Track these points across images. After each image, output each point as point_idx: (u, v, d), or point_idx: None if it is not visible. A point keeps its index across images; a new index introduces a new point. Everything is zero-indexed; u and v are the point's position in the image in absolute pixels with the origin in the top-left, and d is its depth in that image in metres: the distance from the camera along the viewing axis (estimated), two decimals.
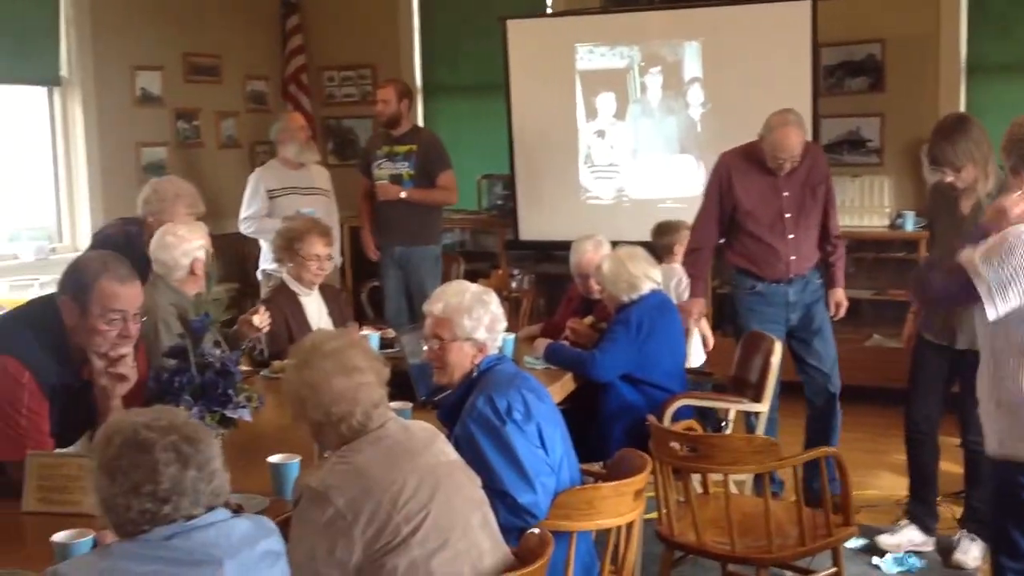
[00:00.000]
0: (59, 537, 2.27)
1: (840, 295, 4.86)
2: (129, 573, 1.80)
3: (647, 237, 5.25)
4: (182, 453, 1.86)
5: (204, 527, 1.87)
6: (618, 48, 6.76)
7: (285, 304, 4.46)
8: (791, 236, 4.67)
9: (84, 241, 6.50)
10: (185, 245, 3.88)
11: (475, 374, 3.06)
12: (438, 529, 2.31)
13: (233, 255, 7.00)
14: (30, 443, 2.73)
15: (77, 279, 2.83)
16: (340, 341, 2.47)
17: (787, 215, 4.66)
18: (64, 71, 6.36)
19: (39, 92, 6.36)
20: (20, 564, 2.30)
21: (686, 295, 4.94)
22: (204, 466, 1.89)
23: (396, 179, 6.17)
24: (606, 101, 6.85)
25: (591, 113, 6.88)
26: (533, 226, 7.03)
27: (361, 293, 6.77)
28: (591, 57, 6.83)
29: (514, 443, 2.81)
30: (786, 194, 4.66)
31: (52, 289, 5.27)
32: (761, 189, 4.67)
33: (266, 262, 5.97)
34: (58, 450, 2.83)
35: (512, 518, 2.75)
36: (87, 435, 3.02)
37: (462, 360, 3.08)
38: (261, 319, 4.11)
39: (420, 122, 7.47)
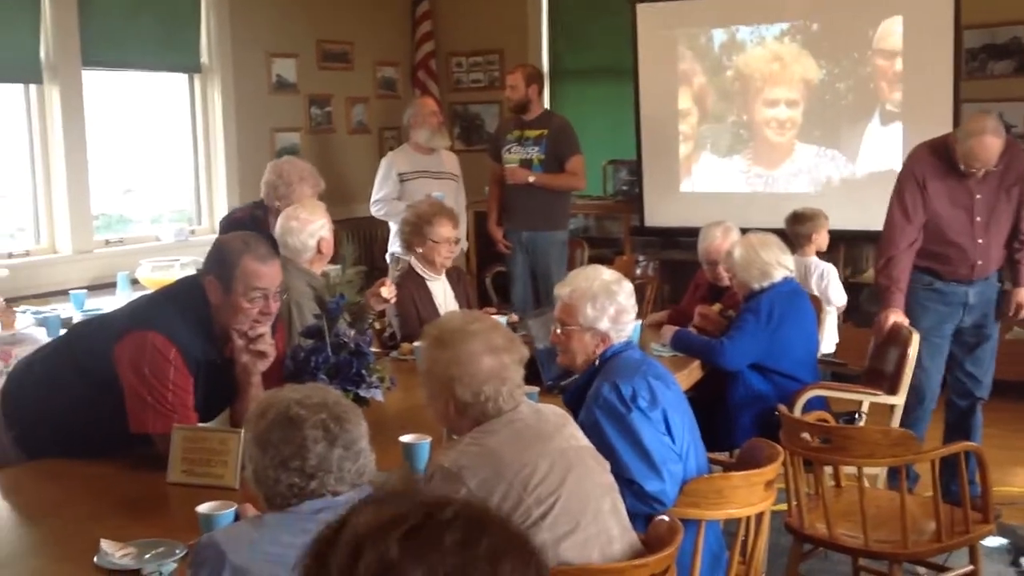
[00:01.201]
0: (203, 508, 2.36)
1: (1022, 295, 4.55)
2: (279, 542, 1.86)
3: (776, 225, 5.14)
4: (330, 431, 1.92)
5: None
6: (751, 30, 6.64)
7: (413, 288, 4.53)
8: (980, 240, 4.39)
9: None
10: (310, 227, 3.97)
11: (597, 362, 3.06)
12: (568, 513, 2.31)
13: (361, 238, 7.13)
14: (175, 417, 2.83)
15: (221, 259, 2.92)
16: (484, 322, 2.48)
17: (978, 218, 4.37)
18: (204, 58, 6.58)
19: (181, 79, 6.59)
20: (166, 534, 2.39)
21: (830, 292, 4.82)
22: (351, 445, 1.94)
23: (526, 164, 6.20)
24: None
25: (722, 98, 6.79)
26: (659, 212, 6.97)
27: (486, 278, 6.82)
28: (723, 40, 6.72)
29: (639, 430, 2.80)
30: (979, 197, 4.36)
31: (191, 270, 5.53)
32: (952, 191, 4.37)
33: (394, 245, 6.06)
34: (201, 424, 2.93)
35: (640, 505, 2.74)
36: (227, 411, 3.13)
37: (583, 347, 3.07)
38: (389, 290, 4.18)
39: (547, 106, 7.47)
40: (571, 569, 2.28)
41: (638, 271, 6.77)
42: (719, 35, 6.72)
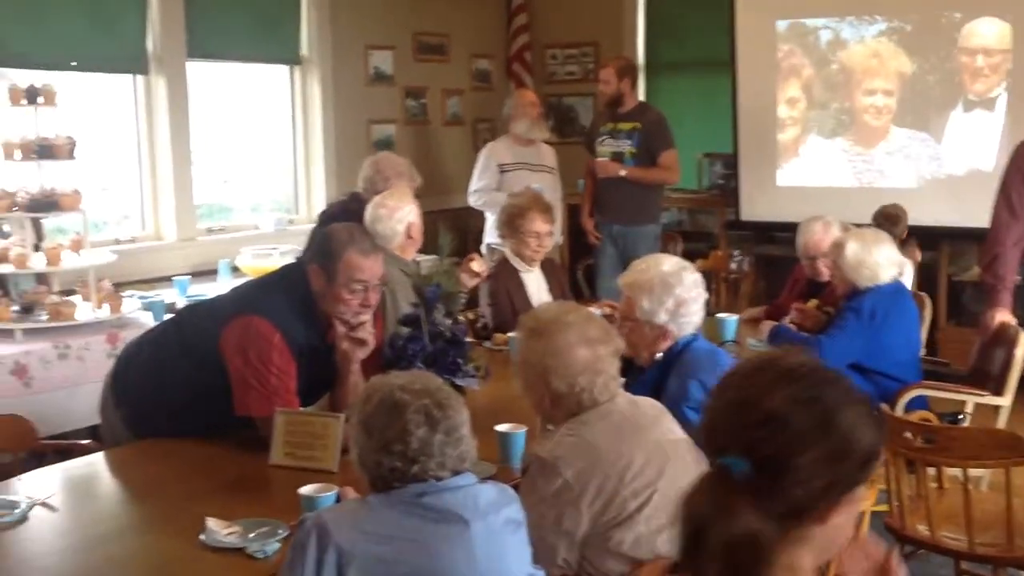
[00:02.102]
0: (306, 490, 2.41)
1: None
2: (384, 524, 1.90)
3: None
4: (432, 417, 1.95)
5: (453, 489, 1.96)
6: (853, 22, 6.56)
7: (507, 279, 4.55)
8: None
9: (319, 214, 6.83)
10: (397, 213, 4.02)
11: (659, 356, 3.00)
12: (665, 507, 2.29)
13: (456, 229, 7.18)
14: (278, 400, 2.89)
15: (326, 248, 2.98)
16: (579, 313, 2.49)
17: None
18: (304, 50, 6.69)
19: (281, 71, 6.71)
20: (269, 514, 2.45)
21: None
22: (452, 431, 1.97)
23: (617, 156, 6.17)
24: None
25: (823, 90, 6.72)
26: (755, 206, 6.89)
27: (578, 270, 6.82)
28: (829, 38, 6.64)
29: None
30: None
31: (290, 258, 5.63)
32: None
33: (490, 236, 6.09)
34: (303, 408, 2.98)
35: None
36: (327, 396, 3.19)
37: (643, 341, 3.02)
38: (479, 264, 4.21)
39: (642, 99, 7.42)
40: (667, 562, 2.27)
41: (733, 266, 6.70)
42: (825, 34, 6.73)
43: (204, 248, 6.05)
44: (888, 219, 5.09)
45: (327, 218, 4.57)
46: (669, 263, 3.07)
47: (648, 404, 2.50)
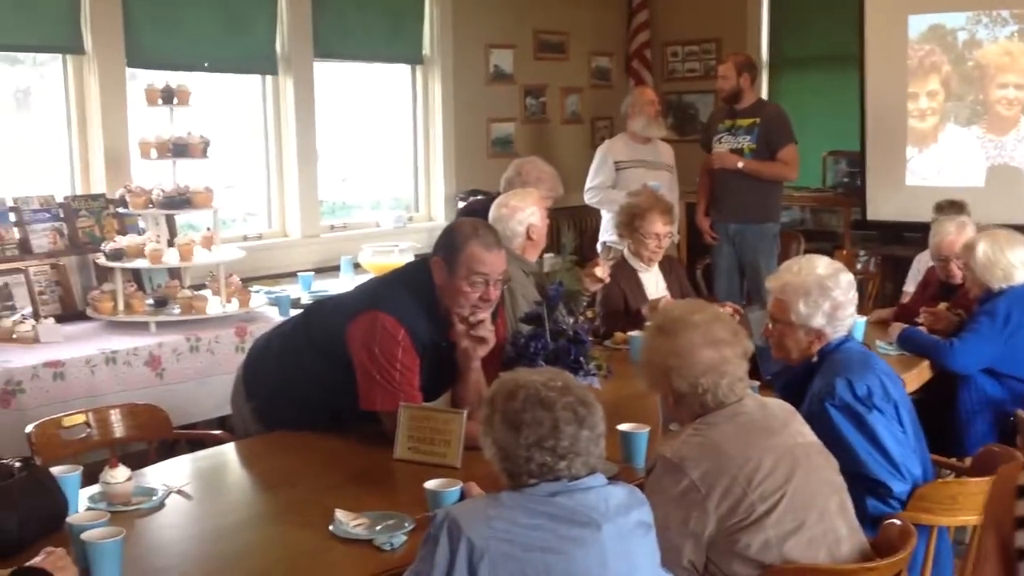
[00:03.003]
0: (431, 484, 2.43)
1: None
2: (515, 522, 1.91)
3: (1004, 221, 4.85)
4: (578, 414, 1.97)
5: (585, 489, 1.96)
6: (987, 23, 6.40)
7: (624, 278, 4.52)
8: None
9: (438, 211, 6.93)
10: (519, 214, 4.01)
11: (815, 358, 2.96)
12: (794, 511, 2.26)
13: (574, 227, 7.18)
14: (402, 396, 2.93)
15: (449, 241, 3.00)
16: (706, 313, 2.46)
17: None
18: (427, 50, 6.78)
19: (404, 70, 6.81)
20: (394, 507, 2.48)
21: None
22: (594, 428, 1.99)
23: (736, 153, 6.08)
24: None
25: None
26: (882, 205, 6.72)
27: (696, 270, 6.74)
28: (965, 38, 6.51)
29: (879, 429, 2.70)
30: None
31: (410, 255, 5.71)
32: None
33: (606, 234, 6.07)
34: (426, 404, 3.02)
35: (881, 506, 2.65)
36: (448, 392, 3.22)
37: (797, 344, 2.98)
38: (603, 270, 4.19)
39: (764, 96, 7.30)
40: (796, 568, 2.23)
41: (858, 266, 6.53)
42: (962, 35, 6.66)
43: (327, 245, 6.18)
44: (952, 207, 4.94)
45: (467, 213, 4.62)
46: (823, 265, 3.01)
47: (778, 406, 2.46)
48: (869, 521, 2.56)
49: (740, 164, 6.00)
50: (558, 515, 1.94)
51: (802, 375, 2.94)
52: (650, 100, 6.24)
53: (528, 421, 1.98)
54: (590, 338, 3.25)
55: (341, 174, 6.65)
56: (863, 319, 4.20)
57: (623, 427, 2.79)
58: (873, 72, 6.66)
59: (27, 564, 1.95)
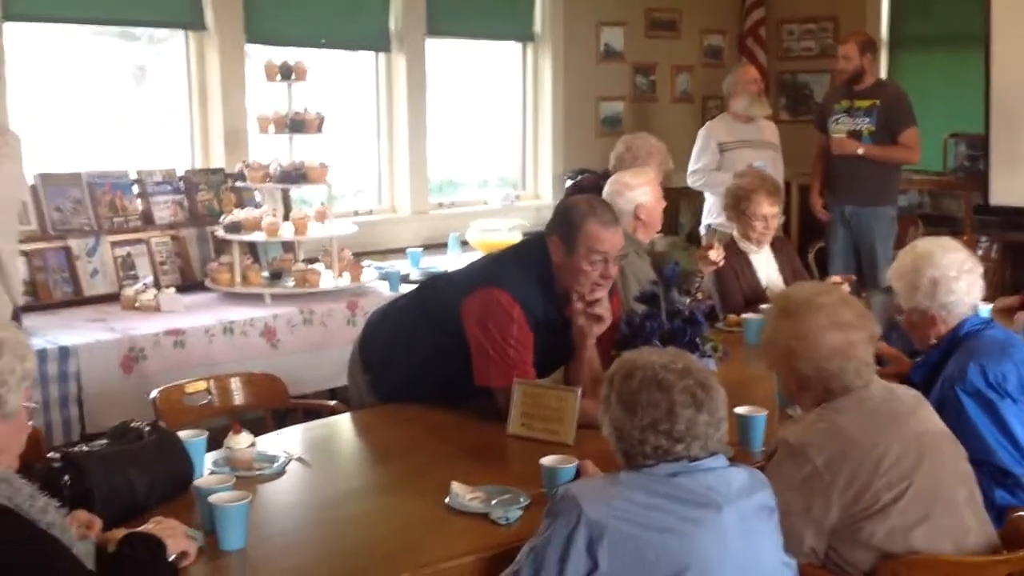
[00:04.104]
0: (547, 461, 2.42)
1: None
2: (634, 502, 1.90)
3: None
4: (696, 397, 1.94)
5: (705, 471, 1.93)
6: None
7: (735, 261, 4.46)
8: None
9: (545, 190, 6.91)
10: (628, 193, 3.97)
11: (945, 342, 2.86)
12: (921, 501, 2.20)
13: (676, 209, 7.10)
14: (516, 372, 2.93)
15: (567, 220, 2.98)
16: (832, 296, 2.41)
17: None
18: (538, 27, 6.75)
19: (514, 47, 6.80)
20: (508, 482, 2.49)
21: None
22: (714, 412, 1.95)
23: (855, 135, 5.92)
24: None
25: None
26: (1007, 190, 6.45)
27: (808, 253, 6.60)
28: None
29: (1009, 418, 2.62)
30: None
31: (517, 234, 5.71)
32: None
33: (710, 216, 5.99)
34: (540, 380, 3.01)
35: (1008, 496, 2.57)
36: (561, 370, 3.21)
37: (914, 327, 2.91)
38: (717, 252, 4.14)
39: (883, 76, 7.10)
40: (922, 558, 2.18)
41: (979, 252, 6.31)
42: None
43: (435, 222, 6.22)
44: None
45: (576, 192, 4.60)
46: (924, 244, 2.95)
47: (905, 393, 2.39)
48: (995, 512, 2.47)
49: (860, 150, 5.84)
50: (678, 495, 1.92)
51: (938, 360, 2.85)
52: (752, 79, 6.12)
53: (643, 403, 1.96)
54: (705, 319, 3.19)
55: (449, 151, 6.68)
56: (988, 307, 4.06)
57: (740, 410, 2.75)
58: (999, 51, 6.38)
59: (139, 530, 2.00)
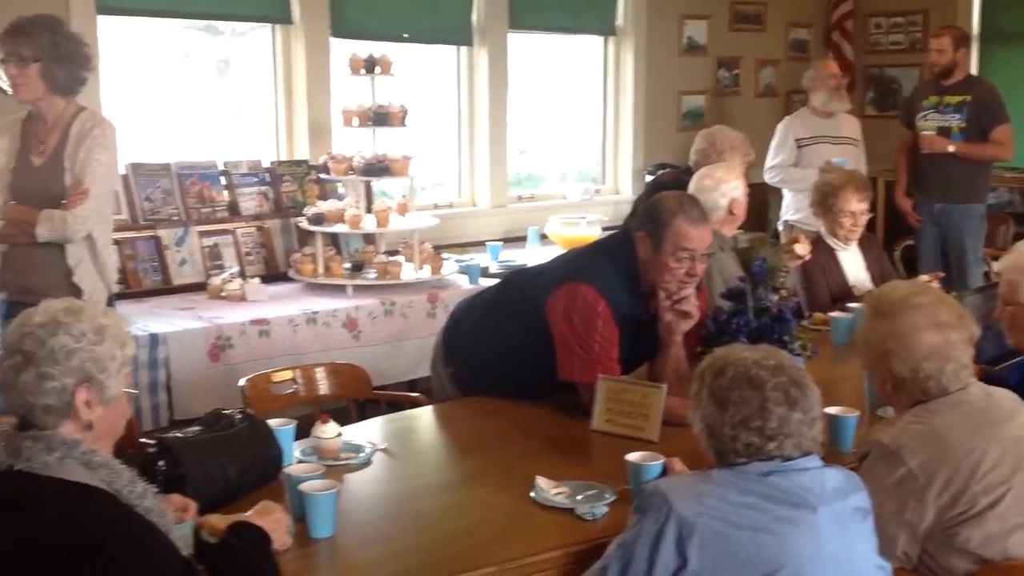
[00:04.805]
0: (633, 457, 2.40)
1: None
2: (727, 500, 1.88)
3: None
4: (790, 395, 1.91)
5: (799, 471, 1.91)
6: None
7: (822, 258, 4.39)
8: None
9: (625, 185, 6.88)
10: (723, 186, 3.92)
11: None
12: (1019, 506, 2.14)
13: (754, 205, 6.99)
14: (600, 367, 2.92)
15: (654, 216, 2.96)
16: (929, 295, 2.35)
17: None
18: (620, 21, 6.71)
19: (596, 41, 6.77)
20: (593, 477, 2.48)
21: None
22: (808, 411, 1.92)
23: (944, 132, 5.80)
24: None
25: None
26: None
27: (895, 251, 6.47)
28: None
29: None
30: None
31: (596, 228, 5.69)
32: None
33: (788, 213, 5.91)
34: (624, 376, 2.99)
35: None
36: (645, 366, 3.19)
37: None
38: (803, 246, 4.08)
39: (974, 72, 6.92)
40: (1019, 565, 2.12)
41: None
42: None
43: (514, 215, 6.22)
44: None
45: (656, 187, 4.57)
46: None
47: (1004, 396, 2.33)
48: None
49: (951, 148, 5.71)
50: (771, 495, 1.89)
51: None
52: (832, 73, 6.03)
53: (735, 399, 1.94)
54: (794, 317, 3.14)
55: (530, 145, 6.68)
56: None
57: (831, 410, 2.70)
58: None
59: (246, 519, 2.02)
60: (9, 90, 3.44)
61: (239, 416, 2.48)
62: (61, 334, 1.85)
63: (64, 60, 3.33)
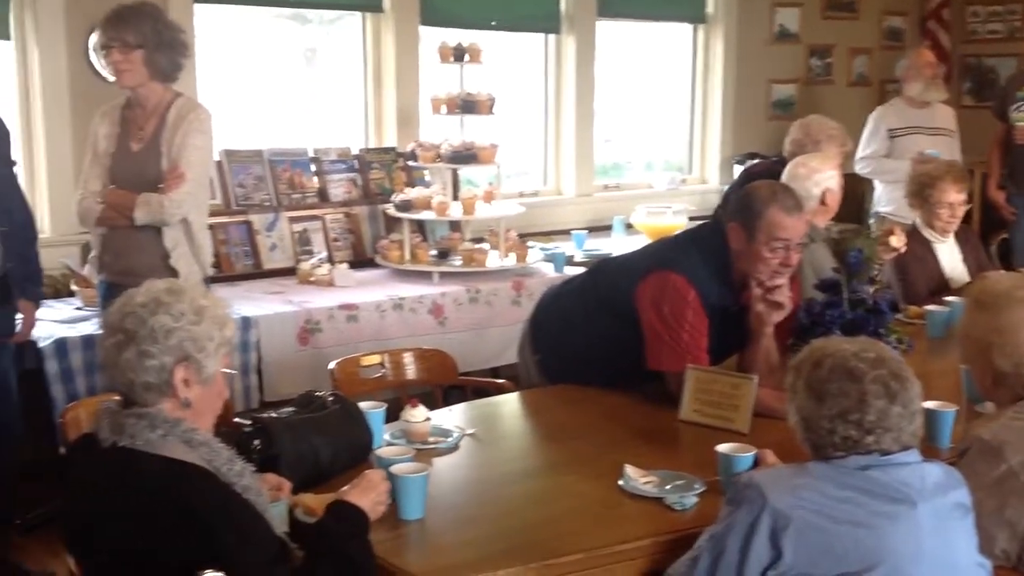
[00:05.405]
0: (723, 448, 2.37)
1: None
2: (824, 493, 1.85)
3: None
4: (890, 388, 1.87)
5: (899, 465, 1.87)
6: None
7: (918, 250, 4.30)
8: None
9: (712, 174, 6.80)
10: (816, 175, 3.85)
11: None
12: None
13: (849, 195, 6.85)
14: (689, 357, 2.89)
15: (748, 206, 2.92)
16: None
17: None
18: (710, 8, 6.63)
19: (685, 29, 6.70)
20: (681, 467, 2.46)
21: None
22: (908, 404, 1.88)
23: None
24: None
25: None
26: None
27: (990, 245, 6.29)
28: None
29: None
30: None
31: (683, 218, 5.64)
32: None
33: (880, 204, 5.79)
34: (713, 367, 2.96)
35: None
36: (735, 357, 3.15)
37: None
38: (899, 239, 4.00)
39: None
40: None
41: None
42: None
43: (599, 204, 6.20)
44: None
45: (748, 177, 4.50)
46: None
47: None
48: None
49: None
50: (870, 489, 1.85)
51: None
52: (927, 62, 5.88)
53: (833, 392, 1.90)
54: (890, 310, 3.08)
55: (615, 134, 6.64)
56: None
57: (928, 405, 2.63)
58: None
59: (347, 498, 2.04)
60: (111, 77, 3.52)
61: (331, 398, 2.51)
62: (161, 314, 1.89)
63: (165, 47, 3.40)
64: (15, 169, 3.62)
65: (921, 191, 4.37)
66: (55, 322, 3.88)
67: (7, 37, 4.35)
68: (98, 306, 3.71)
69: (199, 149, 3.46)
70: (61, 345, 3.70)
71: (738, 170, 6.46)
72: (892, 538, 1.82)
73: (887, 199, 5.66)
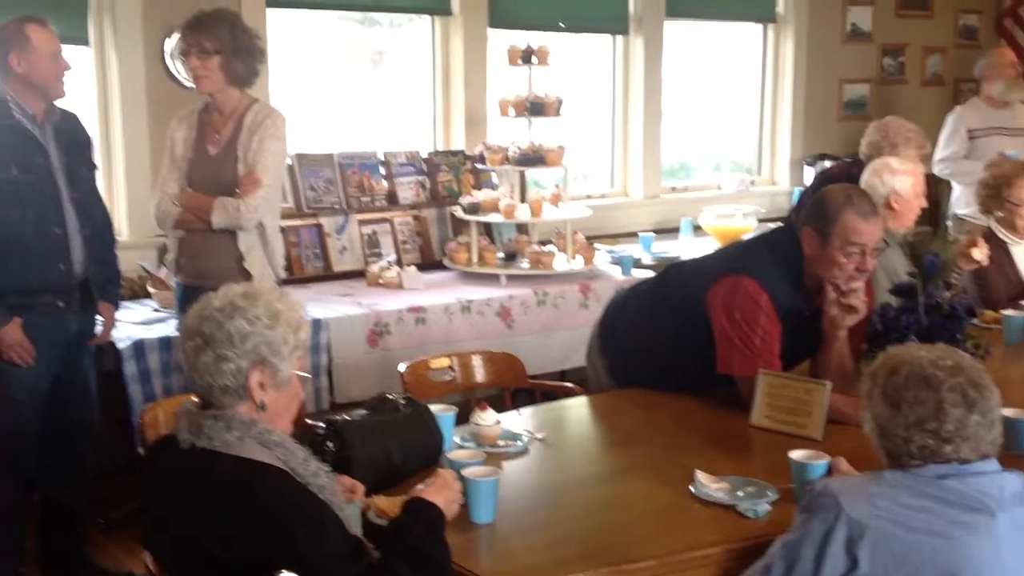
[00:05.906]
0: (796, 455, 2.35)
1: None
2: (898, 502, 1.82)
3: None
4: (968, 397, 1.84)
5: (978, 474, 1.83)
6: None
7: (994, 253, 4.21)
8: None
9: (782, 176, 6.72)
10: (887, 175, 3.79)
11: None
12: None
13: (928, 196, 6.73)
14: (761, 362, 2.86)
15: (822, 210, 2.88)
16: None
17: None
18: (780, 8, 6.57)
19: (755, 29, 6.63)
20: (753, 473, 2.44)
21: None
22: (987, 413, 1.85)
23: None
24: None
25: None
26: None
27: None
28: None
29: None
30: None
31: (752, 220, 5.58)
32: None
33: (959, 207, 5.68)
34: (786, 372, 2.93)
35: None
36: (807, 363, 3.11)
37: None
38: (981, 251, 3.92)
39: None
40: None
41: None
42: None
43: (667, 206, 6.16)
44: None
45: (824, 180, 4.45)
46: None
47: None
48: None
49: None
50: (947, 499, 1.82)
51: None
52: (1009, 62, 5.77)
53: (909, 400, 1.87)
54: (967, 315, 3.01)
55: (683, 134, 6.59)
56: None
57: (1007, 412, 2.56)
58: None
59: (423, 496, 2.05)
60: (188, 82, 3.58)
61: (403, 401, 2.53)
62: (237, 318, 1.92)
63: (242, 53, 3.45)
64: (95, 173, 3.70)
65: (997, 191, 4.30)
66: (133, 324, 3.96)
67: (86, 43, 4.45)
68: (174, 308, 3.78)
69: (274, 154, 3.51)
70: (139, 346, 3.78)
71: (808, 171, 6.40)
72: (970, 548, 1.79)
73: (965, 201, 5.56)
